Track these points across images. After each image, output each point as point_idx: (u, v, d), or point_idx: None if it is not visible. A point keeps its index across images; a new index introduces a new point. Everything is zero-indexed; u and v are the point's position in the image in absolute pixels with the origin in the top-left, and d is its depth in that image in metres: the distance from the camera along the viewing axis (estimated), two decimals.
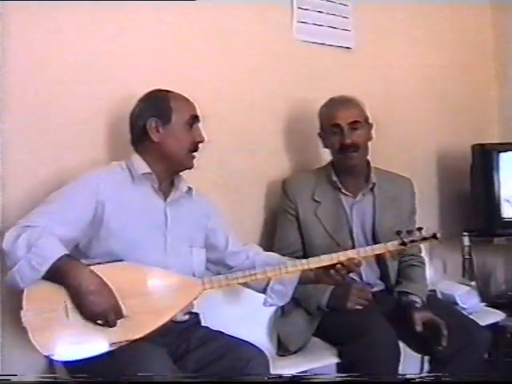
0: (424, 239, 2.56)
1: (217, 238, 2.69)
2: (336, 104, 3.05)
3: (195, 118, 2.56)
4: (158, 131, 2.49)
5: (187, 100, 2.57)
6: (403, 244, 2.52)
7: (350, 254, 2.54)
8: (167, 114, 2.50)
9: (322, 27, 3.51)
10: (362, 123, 3.00)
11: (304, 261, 2.55)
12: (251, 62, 3.27)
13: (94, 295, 2.23)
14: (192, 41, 3.08)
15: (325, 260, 2.54)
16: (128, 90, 2.73)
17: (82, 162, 2.67)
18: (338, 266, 2.52)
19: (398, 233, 2.51)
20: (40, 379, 2.47)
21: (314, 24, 3.48)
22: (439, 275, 3.68)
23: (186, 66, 3.04)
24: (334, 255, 2.54)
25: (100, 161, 2.71)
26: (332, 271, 2.54)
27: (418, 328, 2.75)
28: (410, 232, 2.52)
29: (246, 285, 2.67)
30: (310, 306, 2.91)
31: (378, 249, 2.56)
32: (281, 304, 2.74)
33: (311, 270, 2.57)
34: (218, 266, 2.68)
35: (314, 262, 2.54)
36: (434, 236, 2.56)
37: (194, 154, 2.56)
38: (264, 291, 2.68)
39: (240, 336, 2.51)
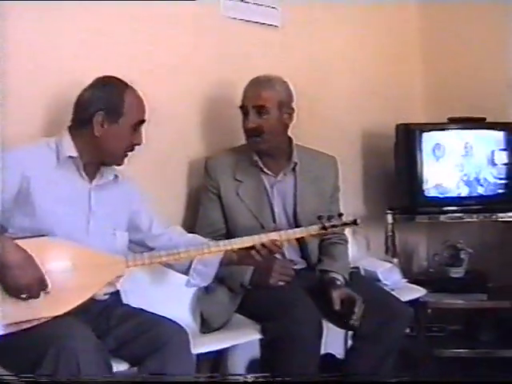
0: (344, 224, 2.59)
1: (140, 220, 2.67)
2: (251, 84, 3.00)
3: (142, 122, 2.53)
4: (102, 126, 2.45)
5: (141, 102, 2.53)
6: (324, 228, 2.55)
7: (272, 236, 2.58)
8: (117, 113, 2.45)
9: (249, 4, 3.49)
10: (270, 108, 2.93)
11: (226, 241, 2.56)
12: (177, 38, 3.23)
13: (19, 268, 2.19)
14: (118, 19, 3.02)
15: (247, 241, 2.56)
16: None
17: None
18: (260, 247, 2.55)
19: (320, 217, 2.54)
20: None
21: (242, 1, 3.46)
22: (362, 252, 3.73)
23: (110, 43, 2.98)
24: (256, 237, 2.57)
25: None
26: (254, 252, 2.56)
27: (336, 306, 2.79)
28: (330, 217, 2.55)
29: (169, 266, 2.68)
30: (233, 283, 2.92)
31: (300, 232, 2.59)
32: (203, 284, 2.75)
33: (234, 251, 2.59)
34: (141, 247, 2.66)
35: (237, 243, 2.57)
36: (355, 222, 2.60)
37: (128, 154, 2.54)
38: (187, 272, 2.68)
39: (163, 314, 2.50)
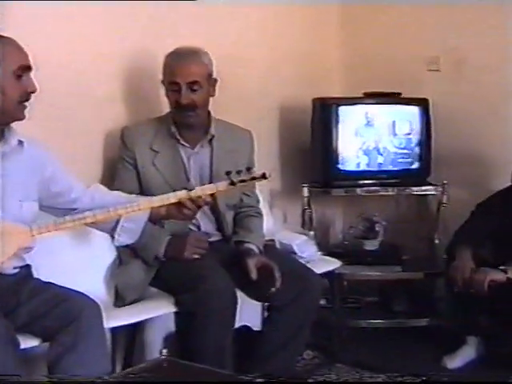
0: (253, 179, 2.58)
1: (57, 186, 2.61)
2: (179, 59, 2.98)
3: (26, 68, 2.43)
4: None
5: (18, 48, 2.42)
6: (232, 184, 2.53)
7: (180, 194, 2.56)
8: None
9: None
10: (202, 82, 2.95)
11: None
12: (95, 10, 3.15)
13: None
14: None
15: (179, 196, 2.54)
16: None
17: None
18: (187, 201, 2.54)
19: (228, 173, 2.52)
20: None
21: None
22: (279, 226, 3.77)
23: (24, 12, 2.88)
24: (178, 193, 2.55)
25: None
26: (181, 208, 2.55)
27: (253, 275, 2.81)
28: (239, 172, 2.53)
29: (94, 226, 2.64)
30: (148, 255, 2.90)
31: (209, 188, 2.56)
32: (130, 242, 2.71)
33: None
34: (65, 212, 2.58)
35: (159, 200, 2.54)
36: (264, 176, 2.58)
37: (26, 104, 2.44)
38: (112, 231, 2.65)
39: (77, 288, 2.47)
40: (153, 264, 2.91)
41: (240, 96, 3.73)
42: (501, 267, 3.23)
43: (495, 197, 3.57)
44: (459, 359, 3.50)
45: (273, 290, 2.80)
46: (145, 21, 3.36)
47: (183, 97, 2.93)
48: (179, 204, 2.56)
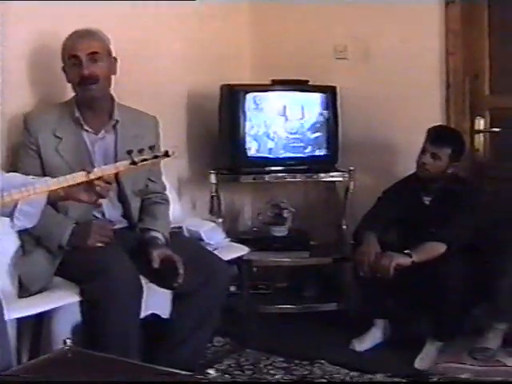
0: (155, 157, 2.53)
1: None
2: (77, 36, 2.99)
3: None
4: None
5: None
6: (134, 163, 2.48)
7: (78, 176, 2.46)
8: None
9: None
10: (102, 55, 2.97)
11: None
12: None
13: None
14: None
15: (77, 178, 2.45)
16: None
17: None
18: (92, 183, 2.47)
19: (129, 152, 2.48)
20: None
21: None
22: (187, 212, 3.75)
23: None
24: (75, 174, 2.45)
25: None
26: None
27: (155, 265, 2.80)
28: (141, 151, 2.49)
29: None
30: (51, 244, 2.85)
31: (108, 169, 2.51)
32: (30, 225, 2.60)
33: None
34: None
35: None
36: (166, 154, 2.54)
37: None
38: (11, 215, 2.55)
39: None
40: (57, 253, 2.86)
41: (148, 82, 3.69)
42: (405, 251, 3.30)
43: (400, 183, 3.66)
44: (367, 342, 3.57)
45: (175, 285, 2.81)
46: (54, 4, 3.28)
47: (84, 67, 2.92)
48: (81, 185, 2.50)
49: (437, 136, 3.49)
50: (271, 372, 3.27)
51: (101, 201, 2.66)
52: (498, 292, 3.20)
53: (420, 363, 3.31)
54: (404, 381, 3.12)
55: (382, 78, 4.05)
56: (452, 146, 3.48)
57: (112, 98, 3.06)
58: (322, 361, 3.35)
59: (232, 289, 3.79)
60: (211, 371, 2.01)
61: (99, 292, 2.62)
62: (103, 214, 2.98)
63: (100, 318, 2.65)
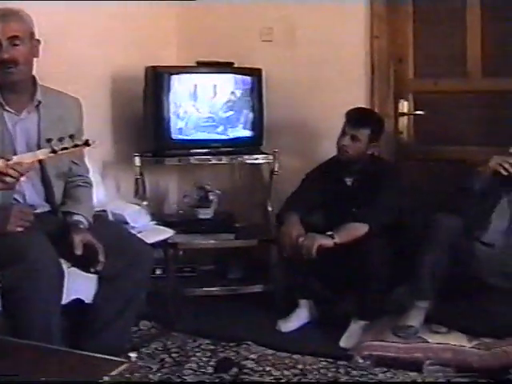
0: (76, 146, 2.48)
1: None
2: None
3: None
4: None
5: None
6: (54, 152, 2.43)
7: (10, 163, 2.44)
8: None
9: None
10: (23, 38, 2.86)
11: None
12: None
13: None
14: None
15: None
16: None
17: None
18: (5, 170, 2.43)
19: (49, 140, 2.42)
20: None
21: None
22: (112, 196, 3.71)
23: None
24: None
25: None
26: None
27: (77, 251, 2.75)
28: (61, 139, 2.44)
29: None
30: None
31: (28, 157, 2.46)
32: None
33: None
34: None
35: None
36: (87, 143, 2.50)
37: None
38: None
39: None
40: None
41: (71, 64, 3.63)
42: (328, 233, 3.34)
43: (322, 166, 3.70)
44: (293, 323, 3.61)
45: (94, 270, 2.77)
46: None
47: (4, 51, 2.82)
48: None
49: (355, 118, 3.54)
50: (198, 354, 3.26)
51: (23, 184, 2.62)
52: (420, 271, 3.27)
53: (345, 342, 3.37)
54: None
55: (307, 61, 4.09)
56: (370, 127, 3.54)
57: (34, 80, 2.98)
58: (249, 342, 3.37)
59: (158, 272, 3.80)
60: (133, 354, 1.98)
61: (18, 278, 2.55)
62: (24, 198, 2.91)
63: (20, 304, 2.58)
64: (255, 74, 3.94)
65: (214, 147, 3.90)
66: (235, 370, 2.97)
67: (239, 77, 3.96)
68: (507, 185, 3.42)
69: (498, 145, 3.51)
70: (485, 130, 3.86)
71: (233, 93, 3.93)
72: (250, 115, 3.95)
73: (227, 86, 3.93)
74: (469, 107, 3.92)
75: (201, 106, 3.87)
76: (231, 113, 3.94)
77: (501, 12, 3.80)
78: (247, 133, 3.96)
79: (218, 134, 3.92)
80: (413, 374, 3.02)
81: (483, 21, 3.84)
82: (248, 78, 3.94)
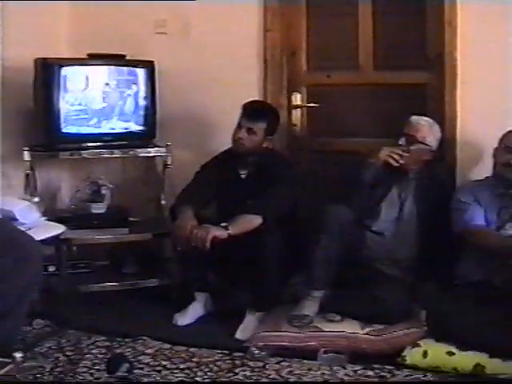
0: None
1: None
2: None
3: None
4: None
5: None
6: None
7: None
8: None
9: None
10: None
11: None
12: None
13: None
14: None
15: None
16: None
17: None
18: None
19: None
20: None
21: None
22: (1, 192, 3.60)
23: None
24: None
25: None
26: None
27: None
28: None
29: None
30: None
31: None
32: None
33: None
34: None
35: None
36: None
37: None
38: None
39: None
40: None
41: None
42: (222, 224, 3.34)
43: (217, 158, 3.71)
44: (189, 316, 3.59)
45: None
46: None
47: None
48: None
49: (251, 111, 3.56)
50: (93, 352, 3.20)
51: None
52: (313, 261, 3.32)
53: (241, 334, 3.37)
54: None
55: (201, 54, 4.07)
56: (266, 120, 3.56)
57: None
58: (145, 337, 3.33)
59: (51, 269, 3.71)
60: (18, 354, 1.93)
61: None
62: None
63: None
64: (148, 66, 3.90)
65: (107, 140, 3.84)
66: (127, 365, 2.93)
67: (131, 69, 3.91)
68: (397, 175, 3.53)
69: (389, 136, 3.62)
70: (376, 122, 3.94)
71: (126, 85, 3.88)
72: (143, 108, 3.90)
73: (119, 79, 3.87)
74: (361, 100, 4.00)
75: (92, 98, 3.80)
76: (124, 105, 3.88)
77: (392, 7, 3.89)
78: (140, 126, 3.92)
79: (110, 127, 3.86)
80: (308, 363, 3.05)
81: (375, 15, 3.93)
82: (140, 71, 3.89)
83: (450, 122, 3.69)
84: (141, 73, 3.89)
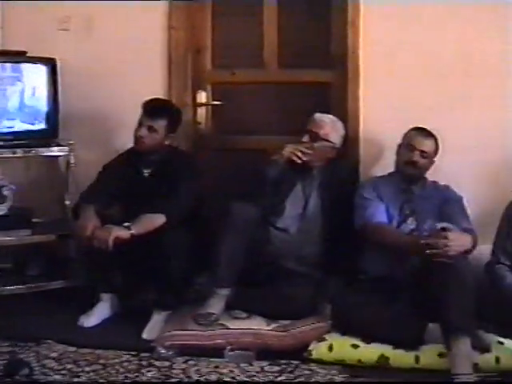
0: None
1: None
2: None
3: None
4: None
5: None
6: None
7: None
8: None
9: None
10: None
11: None
12: None
13: None
14: None
15: None
16: None
17: None
18: None
19: None
20: None
21: None
22: None
23: None
24: None
25: None
26: None
27: None
28: None
29: None
30: None
31: None
32: None
33: None
34: None
35: None
36: None
37: None
38: None
39: None
40: None
41: None
42: (125, 224, 3.30)
43: (120, 157, 3.67)
44: (95, 317, 3.55)
45: None
46: None
47: None
48: None
49: (151, 109, 3.54)
50: None
51: None
52: (218, 259, 3.32)
53: (148, 334, 3.35)
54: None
55: (105, 51, 4.03)
56: (167, 117, 3.55)
57: None
58: (49, 340, 3.27)
59: None
60: None
61: None
62: None
63: None
64: (49, 63, 3.82)
65: (7, 140, 3.75)
66: (26, 370, 2.86)
67: (32, 66, 3.82)
68: (301, 172, 3.57)
69: (293, 134, 3.66)
70: (280, 119, 3.98)
71: (27, 83, 3.79)
72: (44, 106, 3.82)
73: (19, 76, 3.78)
74: (265, 97, 4.04)
75: None
76: (25, 104, 3.80)
77: (297, 6, 3.94)
78: (41, 124, 3.84)
79: (10, 125, 3.77)
80: (215, 361, 3.06)
81: (280, 14, 3.97)
82: (41, 68, 3.80)
83: (353, 119, 3.77)
84: (42, 70, 3.80)
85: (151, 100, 3.58)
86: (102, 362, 3.08)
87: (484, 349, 2.97)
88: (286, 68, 3.98)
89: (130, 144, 3.58)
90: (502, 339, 3.05)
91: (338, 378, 2.93)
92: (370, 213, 3.38)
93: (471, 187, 3.58)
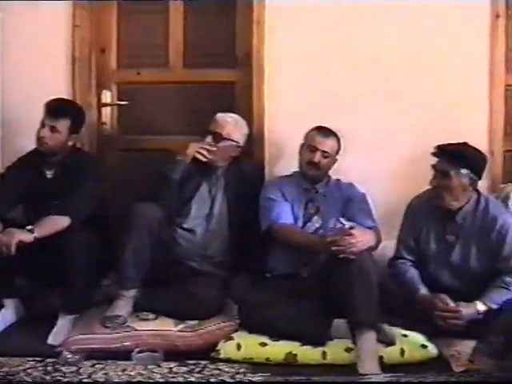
0: None
1: None
2: None
3: None
4: None
5: None
6: None
7: None
8: None
9: None
10: None
11: None
12: None
13: None
14: None
15: None
16: None
17: None
18: None
19: None
20: None
21: None
22: None
23: None
24: None
25: None
26: None
27: None
28: None
29: None
30: None
31: None
32: None
33: None
34: None
35: None
36: None
37: None
38: None
39: None
40: None
41: None
42: (28, 227, 3.22)
43: (22, 159, 3.58)
44: None
45: None
46: None
47: None
48: None
49: (54, 109, 3.47)
50: None
51: None
52: (123, 260, 3.28)
53: (53, 338, 3.27)
54: None
55: (5, 50, 3.89)
56: (70, 118, 3.48)
57: None
58: None
59: None
60: None
61: None
62: None
63: None
64: None
65: None
66: None
67: None
68: (206, 172, 3.57)
69: (198, 134, 3.65)
70: (186, 119, 3.97)
71: None
72: None
73: None
74: (170, 97, 4.02)
75: None
76: None
77: (203, 5, 3.94)
78: None
79: None
80: (123, 363, 3.02)
81: (185, 13, 3.97)
82: None
83: (258, 118, 3.80)
84: None
85: (54, 100, 3.50)
86: (5, 370, 2.97)
87: (389, 342, 3.05)
88: (192, 68, 3.98)
89: (33, 145, 3.50)
90: (405, 332, 3.13)
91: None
92: (276, 214, 3.41)
93: (377, 185, 3.66)
